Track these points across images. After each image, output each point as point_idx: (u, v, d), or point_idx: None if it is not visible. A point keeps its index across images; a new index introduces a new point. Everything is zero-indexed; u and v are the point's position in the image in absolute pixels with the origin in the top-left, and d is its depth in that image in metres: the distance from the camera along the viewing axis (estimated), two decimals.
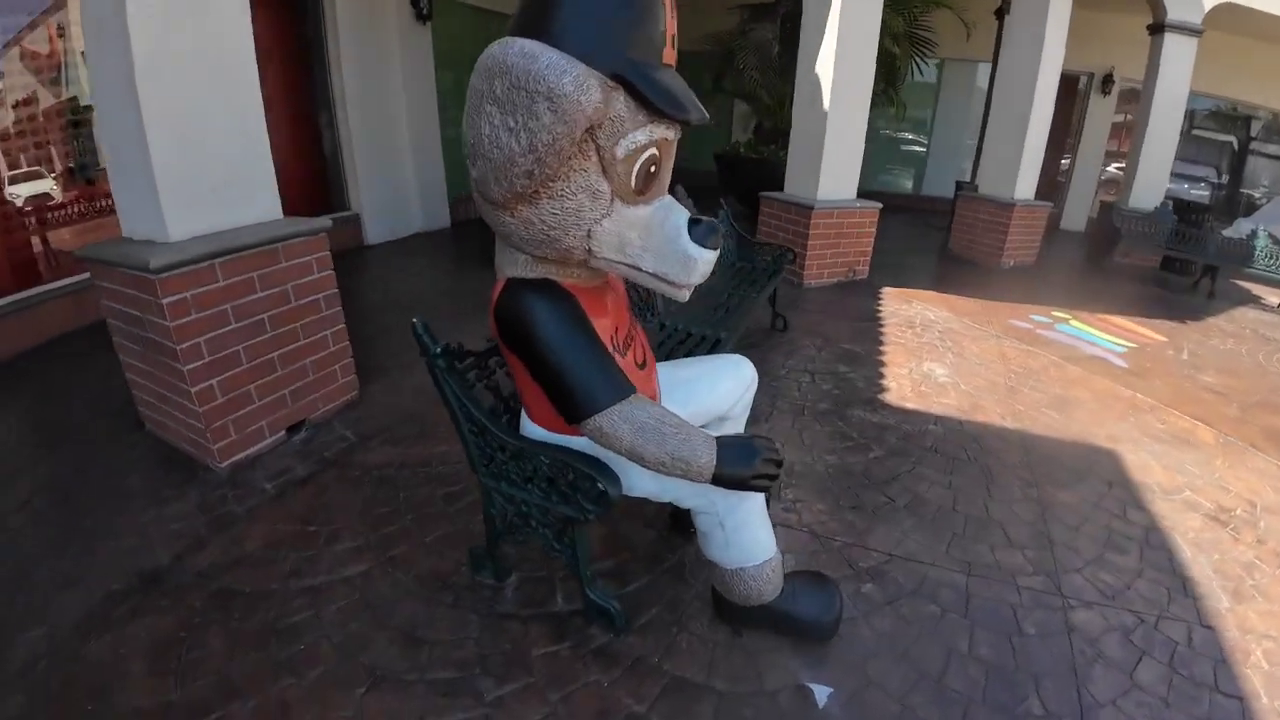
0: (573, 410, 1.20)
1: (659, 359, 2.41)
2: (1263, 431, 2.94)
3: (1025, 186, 5.88)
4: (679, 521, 2.00)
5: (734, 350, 3.55)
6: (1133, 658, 1.64)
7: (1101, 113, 8.85)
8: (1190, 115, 9.10)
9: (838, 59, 4.42)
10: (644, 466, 1.22)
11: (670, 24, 1.08)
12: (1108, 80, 8.62)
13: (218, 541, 2.02)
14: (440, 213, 6.54)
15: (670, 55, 1.10)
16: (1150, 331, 4.35)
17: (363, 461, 2.43)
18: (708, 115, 1.15)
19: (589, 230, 1.12)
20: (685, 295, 1.21)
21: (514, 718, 1.42)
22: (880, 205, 4.97)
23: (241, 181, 2.33)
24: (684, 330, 2.69)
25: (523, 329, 1.19)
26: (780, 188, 5.15)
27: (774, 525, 2.01)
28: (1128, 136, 8.73)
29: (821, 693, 1.49)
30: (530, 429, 1.45)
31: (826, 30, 4.44)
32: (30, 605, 1.77)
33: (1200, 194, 10.40)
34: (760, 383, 3.17)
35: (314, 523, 2.09)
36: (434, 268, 5.33)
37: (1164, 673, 1.59)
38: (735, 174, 7.85)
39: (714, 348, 2.55)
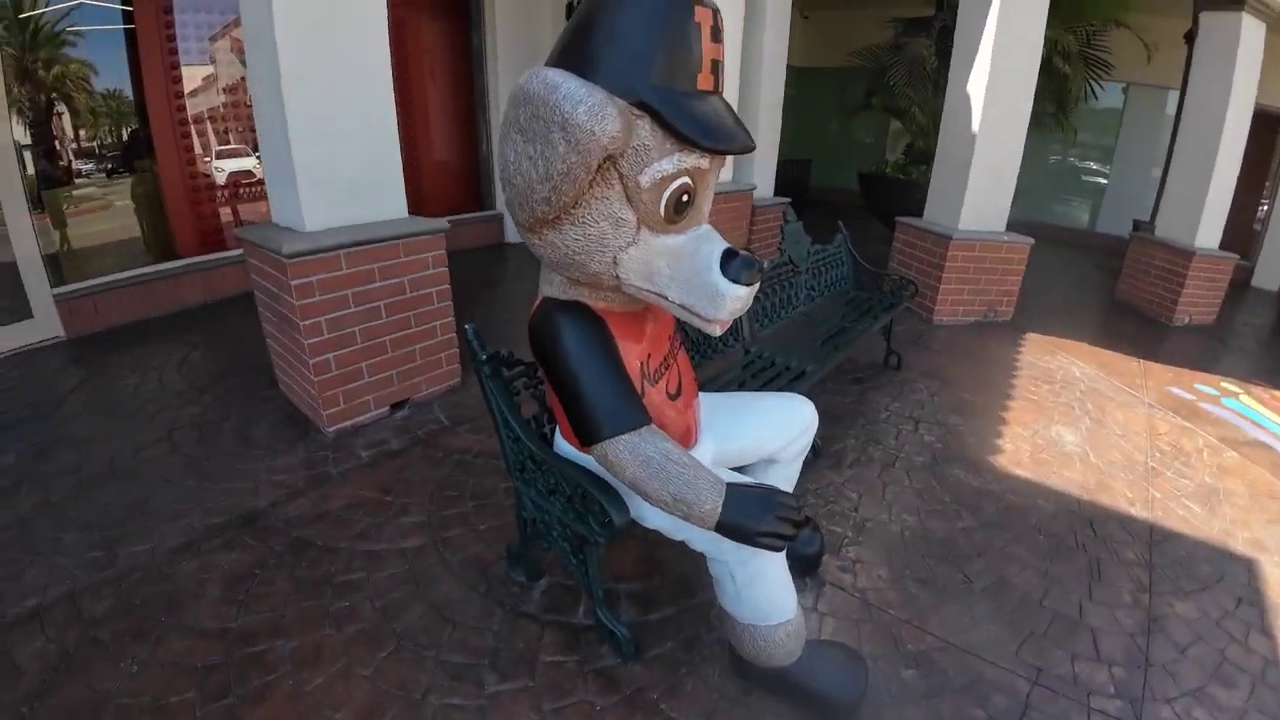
0: (583, 433, 1.21)
1: (737, 384, 2.38)
2: None
3: (1209, 233, 5.01)
4: None
5: (835, 383, 3.40)
6: None
7: None
8: None
9: (992, 75, 4.03)
10: (647, 501, 1.21)
11: (709, 48, 1.05)
12: None
13: (310, 496, 2.28)
14: None
15: (707, 81, 1.06)
16: None
17: (448, 444, 2.62)
18: (752, 144, 1.11)
19: (614, 257, 1.12)
20: (716, 330, 1.17)
21: (505, 715, 1.46)
22: (1032, 241, 4.46)
23: (373, 182, 2.60)
24: (768, 358, 2.59)
25: (548, 347, 1.22)
26: (922, 213, 4.81)
27: (824, 583, 1.92)
28: None
29: None
30: (560, 444, 1.48)
31: (981, 44, 4.07)
32: (142, 525, 2.12)
33: None
34: (855, 424, 3.05)
35: (391, 493, 2.30)
36: None
37: None
38: (879, 195, 7.45)
39: (797, 380, 2.44)
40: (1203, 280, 5.00)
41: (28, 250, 3.71)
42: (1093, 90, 6.69)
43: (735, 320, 2.46)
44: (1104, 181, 8.83)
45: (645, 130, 1.02)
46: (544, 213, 1.07)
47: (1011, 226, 4.55)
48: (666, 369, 1.39)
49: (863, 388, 3.35)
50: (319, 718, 1.45)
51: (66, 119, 4.45)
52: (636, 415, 1.19)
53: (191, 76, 4.57)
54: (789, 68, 5.93)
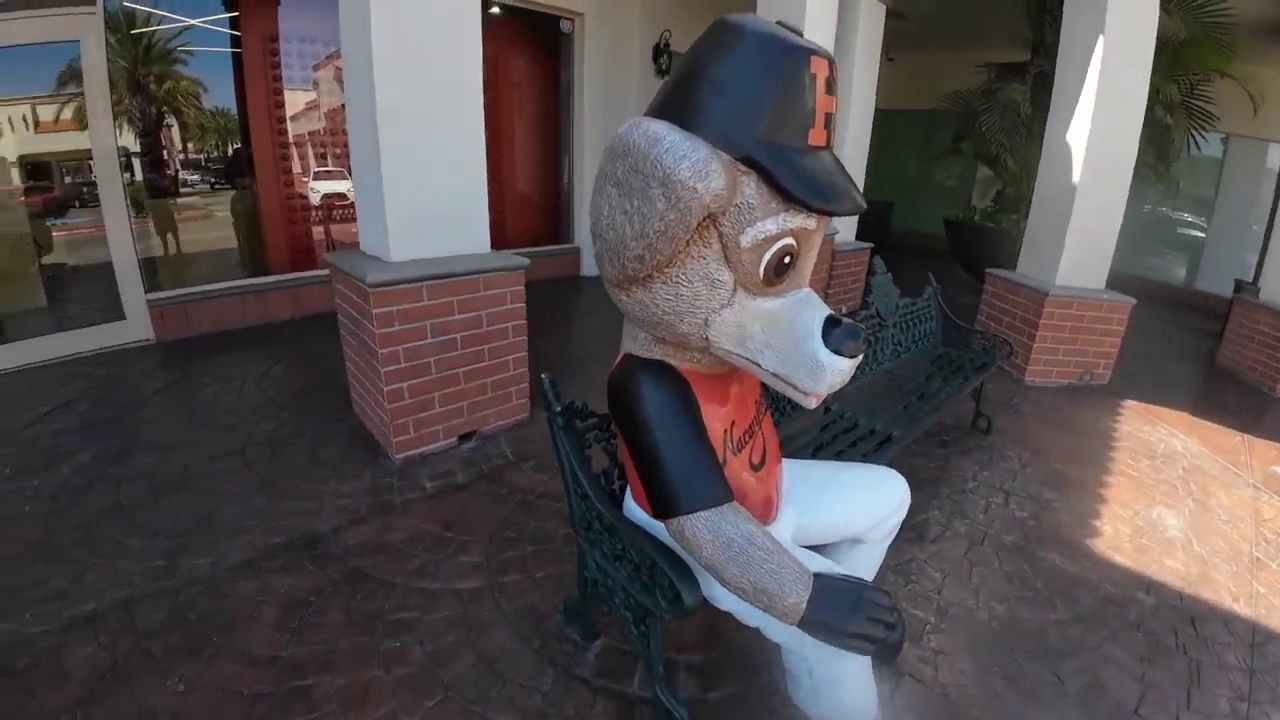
0: (659, 504, 1.13)
1: (814, 447, 2.24)
2: None
3: None
4: None
5: (919, 445, 3.19)
6: None
7: None
8: None
9: (1093, 126, 3.79)
10: (723, 585, 1.11)
11: (823, 101, 0.97)
12: None
13: (372, 524, 2.28)
14: None
15: (820, 136, 0.98)
16: None
17: (511, 481, 2.59)
18: (863, 204, 1.02)
19: (706, 319, 1.05)
20: (812, 403, 1.07)
21: None
22: (1133, 301, 4.13)
23: (460, 216, 2.64)
24: (851, 418, 2.45)
25: (628, 407, 1.15)
26: (1014, 265, 4.55)
27: (903, 673, 1.75)
28: None
29: None
30: (631, 507, 1.40)
31: (1082, 94, 3.84)
32: (206, 538, 2.17)
33: None
34: (940, 495, 2.84)
35: (452, 528, 2.27)
36: None
37: None
38: (966, 244, 7.14)
39: (882, 445, 2.28)
40: None
41: (125, 254, 3.97)
42: (1195, 142, 6.33)
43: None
44: (1201, 235, 8.24)
45: (750, 188, 0.95)
46: (635, 270, 1.01)
47: (1106, 280, 4.25)
48: (751, 437, 1.29)
49: (949, 452, 3.13)
50: None
51: (175, 131, 4.83)
52: (718, 491, 1.10)
53: (293, 100, 4.86)
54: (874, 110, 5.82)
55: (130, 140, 4.44)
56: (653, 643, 1.41)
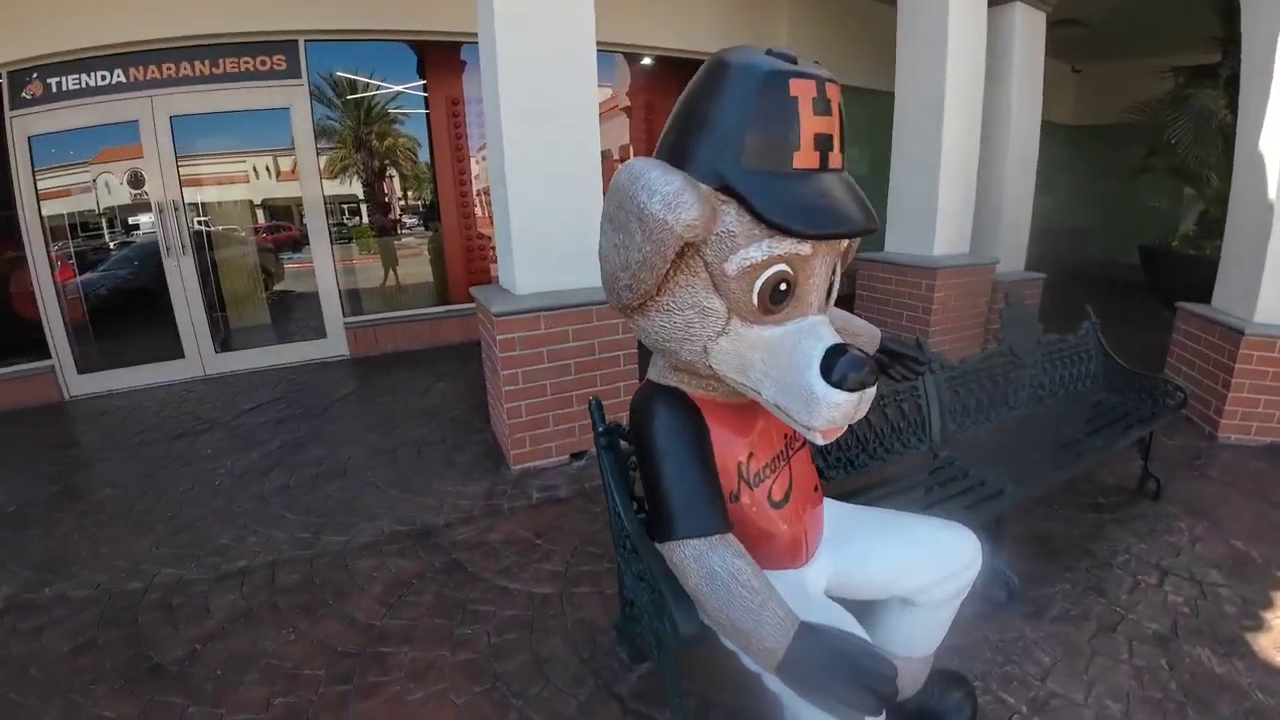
0: (654, 527, 1.17)
1: (921, 498, 2.09)
2: None
3: None
4: None
5: (1065, 506, 2.78)
6: None
7: None
8: None
9: None
10: (704, 617, 1.12)
11: (811, 123, 0.96)
12: None
13: (478, 524, 2.56)
14: None
15: (809, 159, 0.96)
16: None
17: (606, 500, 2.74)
18: (871, 224, 0.99)
19: (704, 346, 1.08)
20: (819, 439, 1.04)
21: None
22: None
23: (579, 254, 2.89)
24: (960, 467, 2.24)
25: (639, 430, 1.20)
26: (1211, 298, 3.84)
27: None
28: None
29: None
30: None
31: (1272, 96, 3.18)
32: (346, 520, 2.59)
33: None
34: (1078, 567, 2.51)
35: (543, 536, 2.47)
36: None
37: None
38: (1162, 273, 6.08)
39: (989, 501, 2.06)
40: None
41: (329, 285, 4.85)
42: None
43: (923, 414, 2.21)
44: None
45: (731, 216, 0.97)
46: (628, 299, 1.08)
47: None
48: (774, 471, 1.27)
49: (1102, 518, 2.70)
50: None
51: (395, 182, 5.78)
52: (713, 521, 1.11)
53: (479, 156, 5.60)
54: (1060, 127, 5.26)
55: (358, 188, 5.45)
56: (667, 670, 1.45)
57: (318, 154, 4.84)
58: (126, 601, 2.17)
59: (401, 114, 5.47)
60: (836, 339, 1.02)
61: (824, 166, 0.99)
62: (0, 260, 4.45)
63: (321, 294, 4.88)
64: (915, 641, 1.48)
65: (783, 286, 1.02)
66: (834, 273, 1.13)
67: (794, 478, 1.31)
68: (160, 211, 4.49)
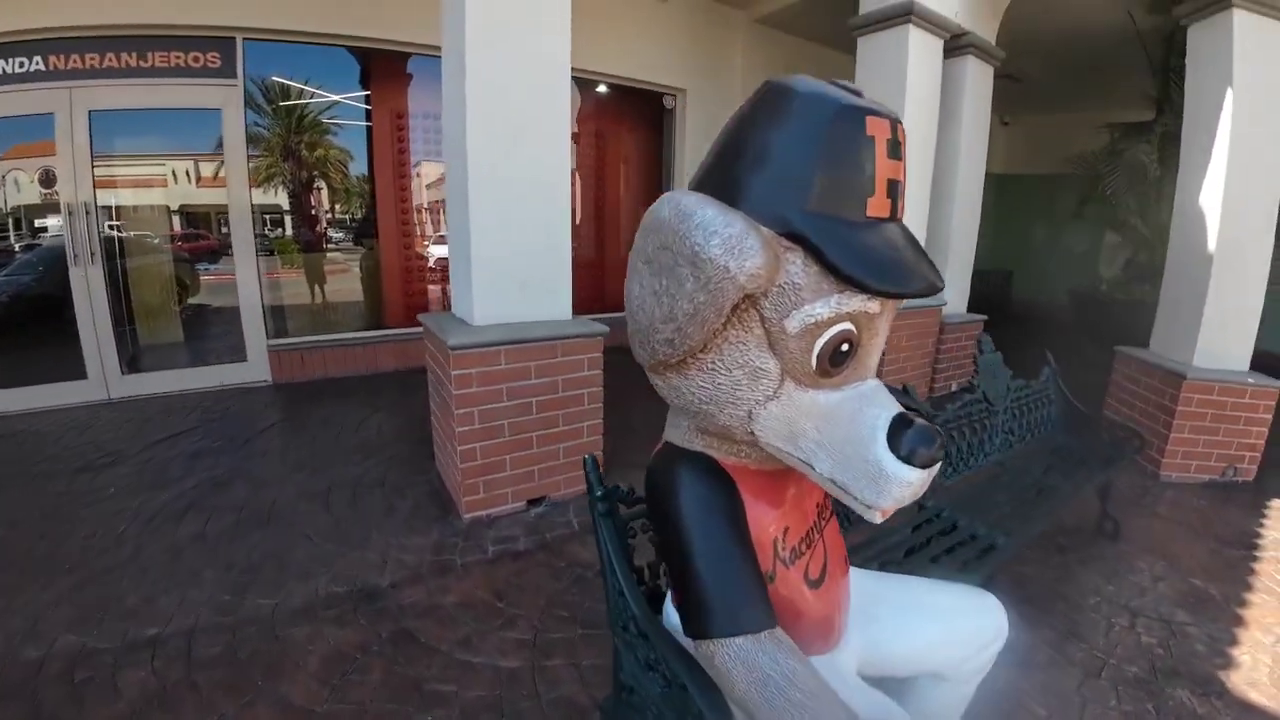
0: (689, 621, 1.00)
1: (906, 549, 2.00)
2: None
3: None
4: None
5: (1032, 549, 2.77)
6: None
7: None
8: None
9: (1228, 190, 3.36)
10: None
11: (885, 166, 0.84)
12: None
13: (429, 584, 2.28)
14: None
15: (881, 206, 0.85)
16: None
17: (572, 554, 2.51)
18: (939, 284, 0.88)
19: (749, 411, 0.92)
20: (877, 518, 0.90)
21: None
22: None
23: (543, 283, 2.71)
24: (948, 519, 2.18)
25: (661, 503, 1.04)
26: (1146, 342, 4.05)
27: None
28: None
29: None
30: (670, 613, 1.27)
31: (1213, 155, 3.43)
32: (274, 578, 2.27)
33: None
34: (1054, 611, 2.47)
35: (504, 599, 2.22)
36: None
37: None
38: (1092, 317, 6.52)
39: (985, 555, 2.01)
40: None
41: (252, 302, 4.41)
42: None
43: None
44: None
45: (796, 266, 0.83)
46: (666, 355, 0.91)
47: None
48: (809, 546, 1.12)
49: (1067, 559, 2.72)
50: None
51: (324, 194, 5.42)
52: (759, 615, 0.95)
53: (416, 171, 5.32)
54: (990, 175, 5.51)
55: (283, 199, 5.08)
56: None
57: (248, 159, 4.44)
58: (24, 673, 1.81)
59: (337, 124, 5.13)
60: (899, 406, 0.89)
61: (893, 215, 0.88)
62: None
63: (243, 311, 4.41)
64: (947, 714, 1.40)
65: (844, 347, 0.88)
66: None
67: (828, 552, 1.17)
68: (70, 214, 3.95)
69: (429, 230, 5.57)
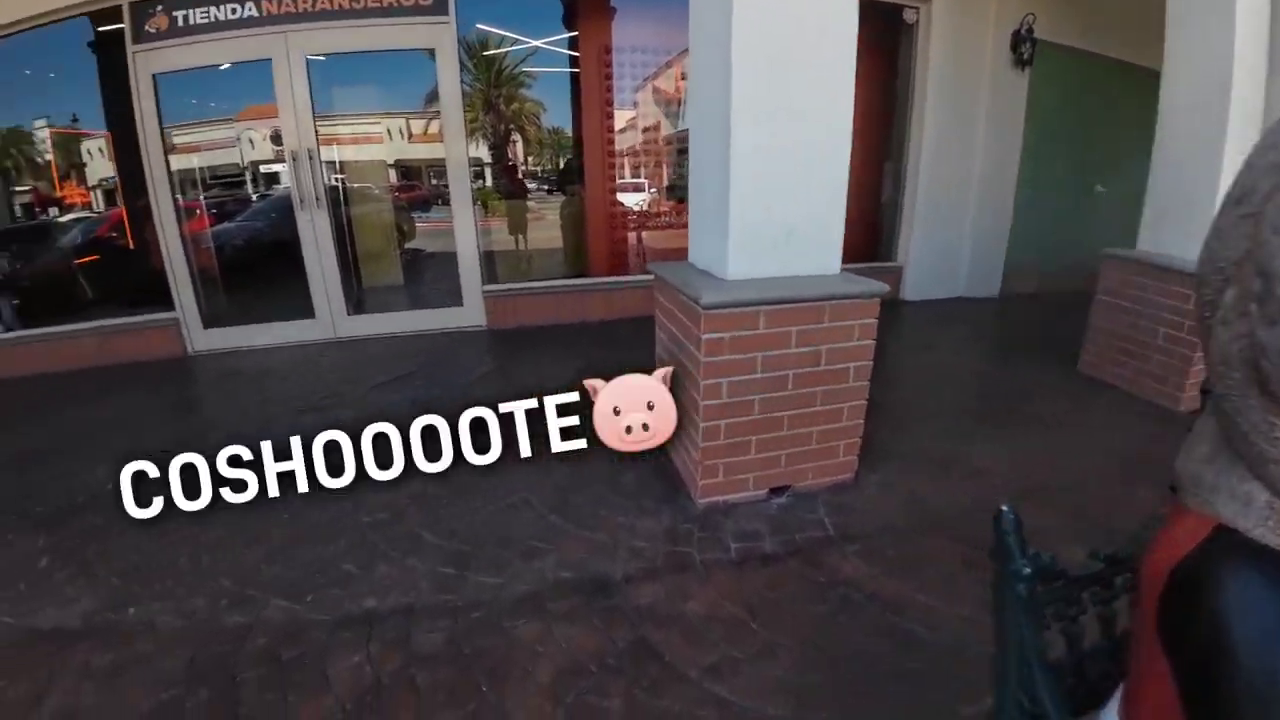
0: None
1: None
2: None
3: None
4: None
5: None
6: None
7: None
8: None
9: None
10: None
11: None
12: None
13: (666, 582, 1.96)
14: (990, 280, 5.68)
15: None
16: None
17: (832, 566, 2.04)
18: None
19: None
20: None
21: None
22: None
23: (813, 231, 2.22)
24: None
25: (1207, 635, 0.54)
26: None
27: None
28: None
29: None
30: None
31: None
32: (498, 557, 2.06)
33: None
34: None
35: (758, 619, 1.81)
36: (973, 344, 4.50)
37: None
38: None
39: None
40: None
41: (469, 249, 4.37)
42: None
43: None
44: None
45: None
46: None
47: None
48: None
49: None
50: None
51: (520, 146, 5.51)
52: None
53: (621, 116, 4.99)
54: None
55: (484, 152, 5.18)
56: None
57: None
58: (223, 645, 1.72)
59: (537, 73, 5.06)
60: None
61: None
62: (131, 208, 4.29)
63: (461, 259, 4.42)
64: None
65: None
66: None
67: None
68: (294, 160, 4.14)
69: (628, 175, 5.28)
